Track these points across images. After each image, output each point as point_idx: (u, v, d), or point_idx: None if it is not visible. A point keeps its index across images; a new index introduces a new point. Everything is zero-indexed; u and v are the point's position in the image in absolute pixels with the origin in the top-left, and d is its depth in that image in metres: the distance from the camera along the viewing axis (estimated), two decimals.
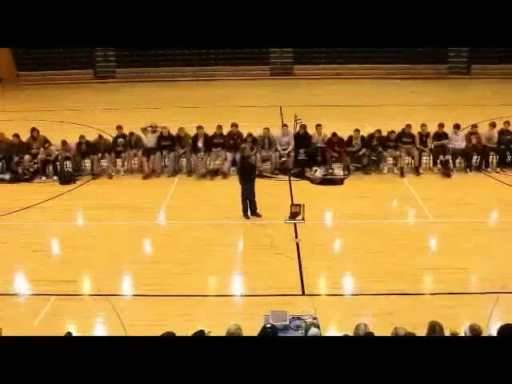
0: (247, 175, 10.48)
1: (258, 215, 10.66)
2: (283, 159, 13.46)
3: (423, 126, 13.37)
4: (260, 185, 11.08)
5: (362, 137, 13.41)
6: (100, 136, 13.77)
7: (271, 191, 12.10)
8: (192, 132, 13.58)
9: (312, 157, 13.45)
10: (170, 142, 13.50)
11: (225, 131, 13.58)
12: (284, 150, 13.49)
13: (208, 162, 13.43)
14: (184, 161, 13.64)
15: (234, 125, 13.62)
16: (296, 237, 9.86)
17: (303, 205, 10.38)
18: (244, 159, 10.70)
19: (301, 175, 13.12)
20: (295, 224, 10.29)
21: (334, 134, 13.45)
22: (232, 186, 11.25)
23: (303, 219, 10.34)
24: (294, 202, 10.71)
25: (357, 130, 13.40)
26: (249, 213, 10.65)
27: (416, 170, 13.12)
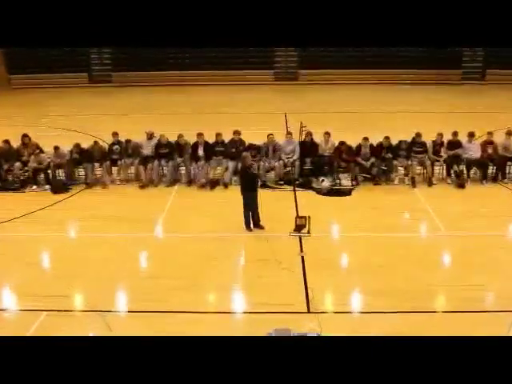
0: (249, 185, 10.49)
1: (261, 227, 10.65)
2: (288, 169, 13.48)
3: (439, 134, 13.37)
4: (263, 195, 11.01)
5: (371, 145, 13.43)
6: (95, 143, 13.86)
7: (275, 202, 12.07)
8: (191, 139, 13.58)
9: (318, 166, 13.48)
10: (168, 150, 13.49)
11: (227, 138, 13.61)
12: (289, 158, 13.48)
13: (208, 172, 13.41)
14: (183, 170, 13.64)
15: (236, 132, 13.70)
16: (301, 250, 9.87)
17: (309, 217, 10.37)
18: (246, 168, 10.69)
19: (306, 185, 13.13)
20: (300, 237, 10.29)
21: (342, 143, 13.49)
22: (234, 197, 11.20)
23: (309, 232, 10.32)
24: (300, 214, 10.70)
25: (365, 139, 13.43)
26: (251, 225, 10.64)
27: (428, 181, 13.11)
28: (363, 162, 13.33)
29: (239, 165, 12.39)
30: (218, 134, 13.59)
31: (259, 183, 11.68)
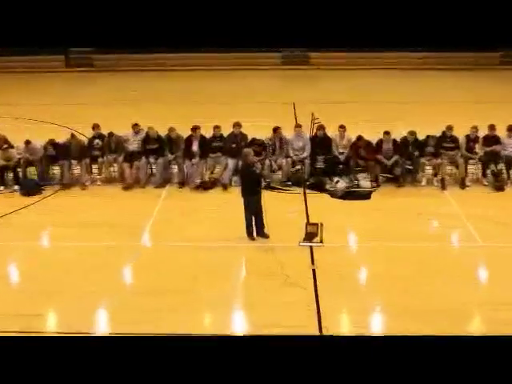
0: (252, 187, 10.51)
1: (266, 236, 10.68)
2: (297, 167, 13.54)
3: (474, 128, 13.40)
4: (268, 198, 11.02)
5: (394, 141, 13.40)
6: (72, 136, 13.88)
7: (282, 206, 12.09)
8: (185, 133, 13.59)
9: (332, 165, 13.50)
10: (157, 146, 13.51)
11: (226, 132, 13.62)
12: (298, 155, 13.52)
13: (204, 171, 13.46)
14: (175, 168, 13.68)
15: (237, 124, 13.72)
16: (312, 263, 9.90)
17: (321, 224, 10.41)
18: (247, 167, 10.67)
19: (318, 187, 13.15)
20: (311, 247, 10.32)
21: (360, 138, 13.50)
22: (233, 200, 11.29)
23: (321, 241, 10.36)
24: (310, 221, 10.74)
25: (387, 133, 13.41)
26: (254, 233, 10.68)
27: (461, 182, 13.16)
28: (385, 161, 13.31)
29: (240, 163, 12.38)
30: (216, 127, 13.63)
31: (263, 184, 11.72)
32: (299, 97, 20.47)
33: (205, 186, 13.23)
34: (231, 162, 13.33)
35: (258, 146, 13.23)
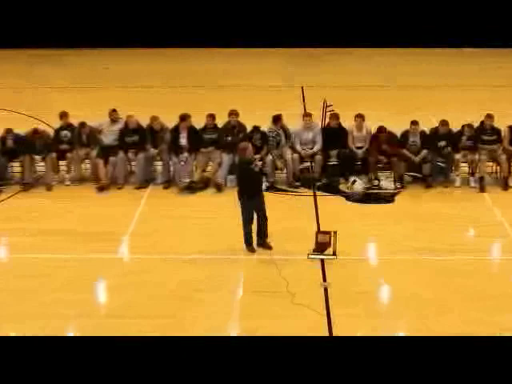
0: (251, 187, 10.54)
1: (268, 247, 10.73)
2: (305, 164, 13.60)
3: None
4: (271, 202, 11.05)
5: (423, 132, 13.39)
6: (36, 129, 13.83)
7: (287, 212, 12.14)
8: (171, 123, 13.63)
9: (349, 162, 13.57)
10: (138, 138, 13.52)
11: (221, 122, 13.64)
12: (307, 150, 13.54)
13: (195, 168, 13.49)
14: (159, 165, 13.74)
15: (234, 113, 13.73)
16: (324, 280, 9.92)
17: (335, 232, 10.38)
18: (245, 164, 10.69)
19: (332, 188, 13.22)
20: (323, 260, 10.35)
21: (382, 129, 13.49)
22: (229, 204, 11.35)
23: (334, 254, 10.39)
24: (322, 229, 10.83)
25: (414, 123, 13.39)
26: (254, 243, 10.71)
27: (504, 183, 13.20)
28: (411, 156, 13.32)
29: (237, 158, 12.29)
30: (210, 116, 13.65)
31: (265, 185, 11.84)
32: (308, 80, 20.46)
33: (195, 187, 13.26)
34: (227, 158, 13.33)
35: (259, 138, 13.30)
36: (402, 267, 10.31)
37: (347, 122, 13.89)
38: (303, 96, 18.90)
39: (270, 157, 13.32)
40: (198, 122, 13.75)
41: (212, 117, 13.61)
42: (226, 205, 11.82)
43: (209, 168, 13.53)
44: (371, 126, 13.73)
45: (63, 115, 13.88)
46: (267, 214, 10.61)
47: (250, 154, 10.75)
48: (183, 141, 13.42)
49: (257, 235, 10.68)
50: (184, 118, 13.43)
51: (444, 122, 13.44)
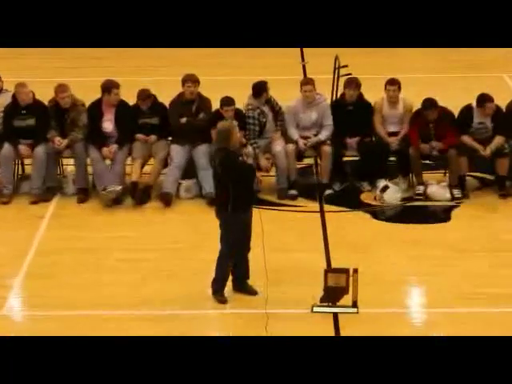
0: (242, 193, 10.29)
1: (252, 292, 10.56)
2: (306, 161, 13.78)
3: None
4: (254, 221, 10.70)
5: (497, 110, 12.85)
6: None
7: (279, 237, 11.75)
8: (90, 97, 13.39)
9: (376, 156, 13.28)
10: (35, 121, 13.17)
11: (167, 96, 13.51)
12: (309, 138, 13.19)
13: (130, 169, 13.29)
14: (70, 165, 13.56)
15: (191, 80, 13.30)
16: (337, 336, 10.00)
17: (355, 271, 10.04)
18: (230, 156, 10.31)
19: (349, 199, 13.13)
20: (336, 315, 10.01)
21: (430, 104, 12.95)
22: (184, 227, 12.00)
23: (355, 305, 10.05)
24: (333, 266, 10.68)
25: (485, 98, 12.91)
26: (226, 288, 10.58)
27: None
28: (477, 146, 12.87)
29: (200, 152, 12.73)
30: (143, 93, 13.30)
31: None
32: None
33: (137, 197, 13.00)
34: (180, 153, 13.00)
35: (237, 119, 12.67)
36: (471, 327, 9.82)
37: (372, 95, 13.54)
38: (302, 54, 19.11)
39: (249, 149, 12.70)
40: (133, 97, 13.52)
41: (147, 94, 13.33)
42: (179, 228, 12.10)
43: (149, 168, 13.28)
44: (412, 100, 13.33)
45: None
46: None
47: (236, 141, 10.44)
48: (108, 126, 13.11)
49: (235, 274, 10.53)
50: (109, 88, 13.06)
51: None
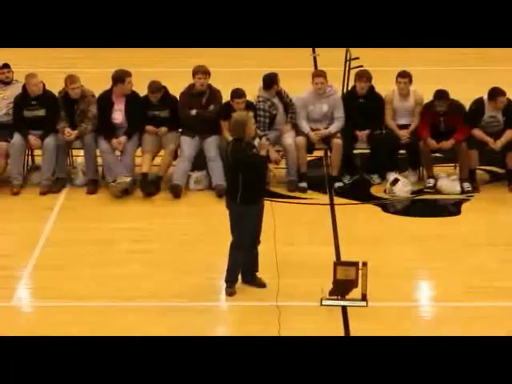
0: (255, 185, 10.25)
1: (261, 284, 10.53)
2: (317, 154, 13.72)
3: None
4: (264, 214, 10.68)
5: (509, 104, 12.83)
6: None
7: (291, 229, 11.77)
8: (100, 88, 13.37)
9: (386, 149, 13.32)
10: (45, 112, 13.14)
11: (177, 88, 13.41)
12: (320, 131, 13.22)
13: (140, 160, 13.24)
14: (80, 156, 13.56)
15: (201, 71, 13.23)
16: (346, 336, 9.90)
17: (364, 264, 10.02)
18: (243, 148, 10.25)
19: (359, 192, 13.16)
20: (345, 308, 9.99)
21: (440, 95, 12.91)
22: (194, 219, 11.97)
23: (364, 298, 10.02)
24: (343, 258, 10.71)
25: (496, 92, 12.89)
26: (237, 281, 10.55)
27: None
28: (488, 140, 12.86)
29: (210, 143, 12.75)
30: (154, 85, 13.21)
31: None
32: None
33: (145, 189, 12.98)
34: (189, 144, 12.99)
35: (247, 108, 12.41)
36: (481, 321, 9.84)
37: (383, 87, 13.51)
38: (313, 47, 19.06)
39: (263, 141, 12.32)
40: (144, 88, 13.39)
41: (156, 87, 13.24)
42: (188, 220, 12.02)
43: (160, 160, 13.23)
44: (423, 92, 13.31)
45: None
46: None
47: (251, 132, 10.35)
48: (118, 117, 13.08)
49: (245, 268, 10.51)
50: (121, 77, 13.00)
51: None
